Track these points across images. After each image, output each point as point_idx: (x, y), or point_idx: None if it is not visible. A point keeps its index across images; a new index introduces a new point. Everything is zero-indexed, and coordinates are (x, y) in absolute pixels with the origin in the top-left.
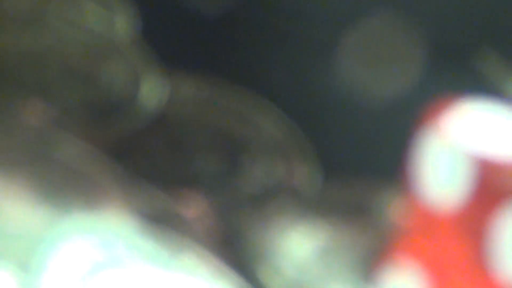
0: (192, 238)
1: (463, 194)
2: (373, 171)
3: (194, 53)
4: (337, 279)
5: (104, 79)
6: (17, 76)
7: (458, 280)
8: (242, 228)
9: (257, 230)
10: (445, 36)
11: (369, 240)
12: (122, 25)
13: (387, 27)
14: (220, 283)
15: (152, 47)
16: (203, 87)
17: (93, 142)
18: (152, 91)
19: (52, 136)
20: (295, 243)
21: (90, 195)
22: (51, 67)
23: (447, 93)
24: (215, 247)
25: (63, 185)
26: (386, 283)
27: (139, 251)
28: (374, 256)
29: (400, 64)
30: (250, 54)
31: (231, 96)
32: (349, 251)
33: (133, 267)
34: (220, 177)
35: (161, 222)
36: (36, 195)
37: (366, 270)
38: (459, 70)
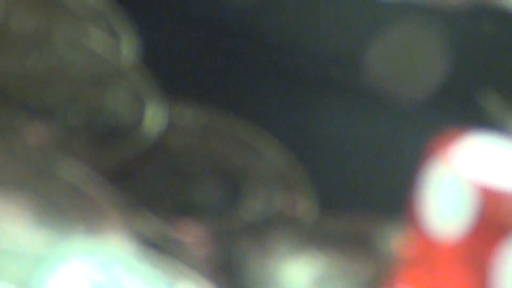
0: (189, 265)
1: (466, 225)
2: (373, 203)
3: (196, 83)
4: None
5: (107, 103)
6: (21, 97)
7: None
8: (241, 256)
9: (256, 258)
10: (450, 76)
11: (368, 270)
12: (126, 51)
13: (389, 70)
14: None
15: (153, 75)
16: (204, 115)
17: (94, 165)
18: (154, 118)
19: (54, 158)
20: (293, 272)
21: (91, 216)
22: (55, 89)
23: (451, 127)
24: (213, 274)
25: (64, 205)
26: None
27: (137, 274)
28: (373, 286)
29: (405, 97)
30: (249, 86)
31: (231, 125)
32: (347, 281)
33: None
34: (219, 204)
35: (159, 247)
36: (37, 214)
37: None
38: (463, 107)
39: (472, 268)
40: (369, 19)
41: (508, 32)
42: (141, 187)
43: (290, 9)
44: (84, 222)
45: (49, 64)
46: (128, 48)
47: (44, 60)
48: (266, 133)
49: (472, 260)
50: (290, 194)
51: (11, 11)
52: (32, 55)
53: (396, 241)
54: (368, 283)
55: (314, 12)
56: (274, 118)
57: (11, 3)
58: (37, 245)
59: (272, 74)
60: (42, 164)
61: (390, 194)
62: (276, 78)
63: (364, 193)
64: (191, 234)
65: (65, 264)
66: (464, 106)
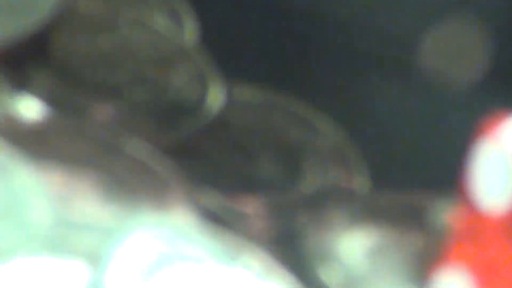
0: (250, 237)
1: None
2: (425, 178)
3: (253, 62)
4: (388, 278)
5: (171, 82)
6: (89, 77)
7: (508, 284)
8: (299, 227)
9: (313, 230)
10: (500, 60)
11: (420, 242)
12: (189, 32)
13: (441, 51)
14: (276, 282)
15: (214, 54)
16: (262, 93)
17: (158, 142)
18: (215, 96)
19: (121, 135)
20: (347, 243)
21: (157, 191)
22: (122, 69)
23: (500, 108)
24: (272, 246)
25: (131, 181)
26: (436, 284)
27: (201, 247)
28: (425, 258)
29: (457, 78)
30: (305, 64)
31: (289, 102)
32: (400, 252)
33: (196, 263)
34: (278, 178)
35: (221, 221)
36: (105, 190)
37: (417, 271)
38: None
39: None
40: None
41: None
42: (203, 162)
43: None
44: (150, 196)
45: (116, 45)
46: (190, 29)
47: (112, 41)
48: (322, 109)
49: None
50: (345, 168)
51: None
52: (100, 36)
53: (448, 216)
54: (420, 254)
55: None
56: (328, 95)
57: None
58: (106, 219)
59: (326, 51)
60: (109, 141)
61: (442, 170)
62: (330, 56)
63: (416, 169)
64: (252, 207)
65: (133, 237)
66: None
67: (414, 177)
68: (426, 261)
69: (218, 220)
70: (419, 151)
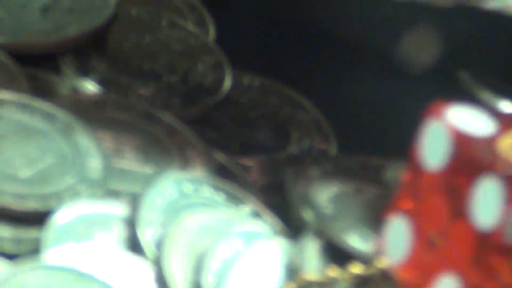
0: (249, 189)
1: (446, 162)
2: (384, 146)
3: (256, 55)
4: (349, 219)
5: (197, 70)
6: (136, 65)
7: (440, 225)
8: (285, 180)
9: (295, 181)
10: (442, 61)
11: (375, 193)
12: (210, 33)
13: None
14: (265, 221)
15: (227, 50)
16: (261, 79)
17: (184, 114)
18: (227, 81)
19: (158, 108)
20: (320, 191)
21: (183, 150)
22: (160, 60)
23: (442, 95)
24: (265, 196)
25: (164, 141)
26: (385, 227)
27: (216, 193)
28: (378, 206)
29: (410, 70)
30: (294, 58)
31: (281, 86)
32: (359, 200)
33: (211, 205)
34: (271, 142)
35: (227, 174)
36: (144, 147)
37: (371, 216)
38: (451, 82)
39: (448, 196)
40: (382, 15)
41: (479, 27)
42: (216, 130)
43: None
44: (178, 154)
45: (157, 41)
46: (211, 30)
47: (154, 38)
48: (305, 91)
49: (451, 189)
50: (321, 136)
51: (132, 2)
52: (145, 34)
53: (398, 174)
54: (374, 203)
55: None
56: (311, 81)
57: None
58: (144, 169)
59: (311, 52)
60: (147, 111)
61: (397, 139)
62: (313, 54)
63: (376, 138)
64: (250, 164)
65: (164, 184)
66: (451, 81)
67: (374, 144)
68: (378, 208)
69: (226, 173)
70: (379, 124)
